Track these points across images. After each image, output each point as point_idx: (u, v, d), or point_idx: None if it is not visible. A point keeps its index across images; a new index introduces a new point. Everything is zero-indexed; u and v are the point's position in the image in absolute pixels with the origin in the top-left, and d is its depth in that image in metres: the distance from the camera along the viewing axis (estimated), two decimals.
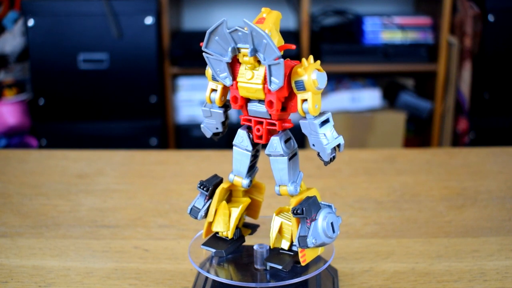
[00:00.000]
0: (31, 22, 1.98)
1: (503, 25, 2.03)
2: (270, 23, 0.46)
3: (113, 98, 2.06)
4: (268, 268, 0.52)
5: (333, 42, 2.17)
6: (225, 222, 0.53)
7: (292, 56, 2.02)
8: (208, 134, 0.54)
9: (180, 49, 2.07)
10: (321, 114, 0.48)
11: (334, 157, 0.49)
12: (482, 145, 1.83)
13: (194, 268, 0.56)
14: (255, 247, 0.53)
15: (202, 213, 0.53)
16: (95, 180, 0.89)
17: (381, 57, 2.12)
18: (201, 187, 0.53)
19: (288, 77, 0.46)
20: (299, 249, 0.50)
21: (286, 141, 0.49)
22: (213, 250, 0.53)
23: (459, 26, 2.11)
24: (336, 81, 2.27)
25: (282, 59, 0.45)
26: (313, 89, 0.46)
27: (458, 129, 2.17)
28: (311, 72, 0.45)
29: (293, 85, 0.46)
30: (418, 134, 2.34)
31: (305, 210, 0.48)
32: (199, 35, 2.23)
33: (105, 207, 0.79)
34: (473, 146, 2.07)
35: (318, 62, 0.47)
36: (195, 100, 2.18)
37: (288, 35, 2.15)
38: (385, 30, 2.13)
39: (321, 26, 2.30)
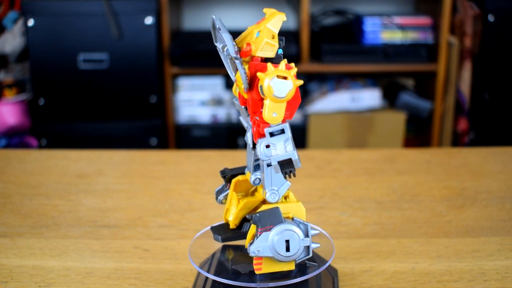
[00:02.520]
0: (31, 22, 1.98)
1: (503, 25, 2.03)
2: (266, 24, 0.46)
3: (113, 98, 2.06)
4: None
5: (333, 42, 2.17)
6: (232, 212, 0.53)
7: (293, 56, 2.02)
8: (245, 127, 0.54)
9: (180, 49, 2.07)
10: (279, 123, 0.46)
11: (291, 172, 0.47)
12: (482, 145, 1.83)
13: (194, 268, 0.56)
14: None
15: (221, 198, 0.54)
16: (95, 180, 0.89)
17: (381, 57, 2.12)
18: (221, 173, 0.54)
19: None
20: (254, 256, 0.49)
21: (269, 146, 0.48)
22: (213, 234, 0.53)
23: (459, 26, 2.11)
24: (336, 81, 2.27)
25: (237, 61, 0.44)
26: (270, 96, 0.44)
27: (458, 129, 2.17)
28: (270, 79, 0.44)
29: (259, 89, 0.45)
30: (418, 134, 2.34)
31: (254, 218, 0.48)
32: (199, 35, 2.24)
33: (105, 207, 0.79)
34: (473, 146, 2.07)
35: (293, 70, 0.45)
36: (195, 100, 2.18)
37: (288, 35, 2.15)
38: (385, 30, 2.13)
39: (321, 26, 2.30)
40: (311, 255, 0.50)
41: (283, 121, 0.47)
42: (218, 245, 0.58)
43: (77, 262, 0.64)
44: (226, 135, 2.17)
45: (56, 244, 0.68)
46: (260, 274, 0.51)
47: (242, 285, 0.50)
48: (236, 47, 0.45)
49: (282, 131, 0.46)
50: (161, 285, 0.59)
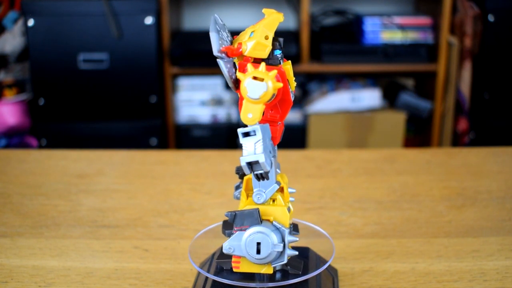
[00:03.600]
0: (31, 22, 1.98)
1: (503, 25, 2.03)
2: (261, 24, 0.46)
3: (113, 98, 2.06)
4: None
5: (333, 42, 2.17)
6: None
7: (293, 56, 2.02)
8: None
9: (180, 49, 2.07)
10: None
11: (261, 175, 0.46)
12: (482, 145, 1.83)
13: (194, 268, 0.56)
14: None
15: (236, 194, 0.54)
16: (95, 180, 0.89)
17: (381, 57, 2.12)
18: (236, 170, 0.54)
19: None
20: (233, 255, 0.49)
21: None
22: (222, 228, 0.53)
23: (459, 26, 2.11)
24: (336, 81, 2.27)
25: (220, 60, 0.45)
26: (245, 96, 0.44)
27: (458, 129, 2.17)
28: (245, 79, 0.44)
29: None
30: (418, 134, 2.34)
31: (230, 216, 0.48)
32: (199, 35, 2.24)
33: (105, 207, 0.79)
34: (473, 146, 2.07)
35: (273, 72, 0.44)
36: (195, 100, 2.18)
37: (288, 35, 2.15)
38: (385, 30, 2.13)
39: (321, 26, 2.30)
40: (285, 261, 0.49)
41: (262, 122, 0.47)
42: (218, 245, 0.58)
43: (77, 262, 0.64)
44: (226, 135, 2.17)
45: (56, 244, 0.68)
46: (260, 274, 0.51)
47: (242, 285, 0.50)
48: (222, 46, 0.45)
49: (254, 133, 0.45)
50: (161, 285, 0.59)
